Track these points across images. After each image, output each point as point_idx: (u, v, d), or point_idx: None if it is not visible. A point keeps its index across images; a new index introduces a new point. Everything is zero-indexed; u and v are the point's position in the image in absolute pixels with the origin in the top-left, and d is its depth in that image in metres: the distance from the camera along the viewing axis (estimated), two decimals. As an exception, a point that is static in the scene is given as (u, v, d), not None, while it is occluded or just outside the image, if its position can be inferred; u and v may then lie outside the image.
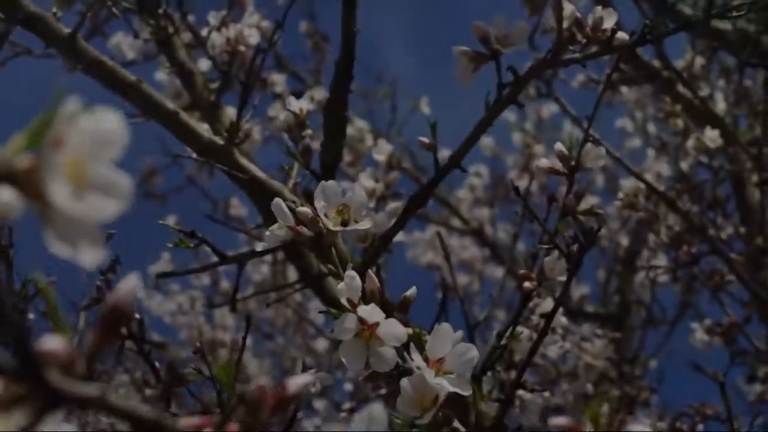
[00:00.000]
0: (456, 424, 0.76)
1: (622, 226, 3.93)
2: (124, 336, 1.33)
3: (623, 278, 3.83)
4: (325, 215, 0.82)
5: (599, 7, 1.26)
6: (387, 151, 2.03)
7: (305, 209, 0.83)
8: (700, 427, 2.05)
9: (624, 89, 3.13)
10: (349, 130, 3.46)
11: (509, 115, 4.92)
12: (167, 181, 3.77)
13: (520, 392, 1.69)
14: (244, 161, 1.41)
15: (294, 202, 1.05)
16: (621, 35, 1.24)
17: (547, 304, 1.81)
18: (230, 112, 1.93)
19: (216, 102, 1.85)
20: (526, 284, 1.35)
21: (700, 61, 2.63)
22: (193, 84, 1.89)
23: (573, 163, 1.32)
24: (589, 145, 1.32)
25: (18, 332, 0.35)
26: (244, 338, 0.94)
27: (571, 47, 1.26)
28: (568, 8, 1.25)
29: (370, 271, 0.80)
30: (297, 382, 0.50)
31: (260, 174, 1.41)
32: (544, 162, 1.35)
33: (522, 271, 1.36)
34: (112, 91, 1.42)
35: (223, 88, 1.83)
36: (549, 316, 1.25)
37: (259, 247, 0.84)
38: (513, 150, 4.26)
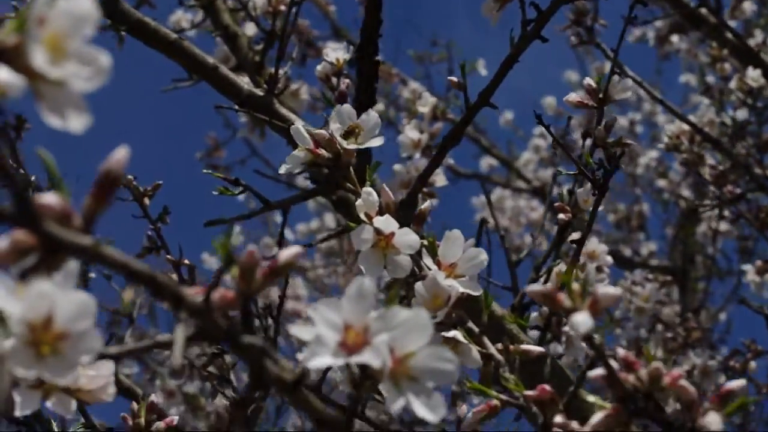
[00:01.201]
0: (470, 324, 0.81)
1: (684, 178, 3.93)
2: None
3: (686, 231, 3.83)
4: (341, 136, 0.87)
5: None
6: (431, 103, 2.08)
7: (322, 131, 0.88)
8: (753, 363, 2.07)
9: (675, 39, 3.14)
10: (405, 93, 3.51)
11: (571, 74, 4.93)
12: (231, 154, 3.84)
13: (567, 329, 1.73)
14: (284, 110, 1.46)
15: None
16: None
17: (593, 243, 1.84)
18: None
19: (261, 62, 1.91)
20: (561, 216, 1.39)
21: (749, 5, 2.63)
22: (239, 46, 1.95)
23: (601, 95, 1.35)
24: (615, 77, 1.35)
25: (18, 186, 0.40)
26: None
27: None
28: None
29: (384, 185, 0.85)
30: (288, 252, 0.55)
31: (301, 122, 1.46)
32: (573, 96, 1.38)
33: (557, 204, 1.40)
34: (156, 50, 1.48)
35: (267, 48, 1.88)
36: (579, 242, 1.29)
37: (282, 169, 0.89)
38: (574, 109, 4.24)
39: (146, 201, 1.42)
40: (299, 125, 0.88)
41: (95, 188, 0.46)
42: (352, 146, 0.87)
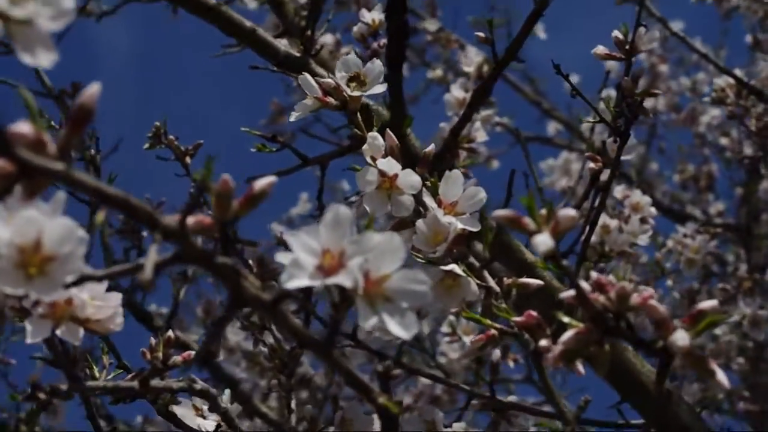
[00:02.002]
0: (471, 259, 0.85)
1: (747, 136, 3.90)
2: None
3: (749, 188, 3.80)
4: (347, 84, 0.91)
5: None
6: (476, 63, 2.11)
7: (328, 80, 0.93)
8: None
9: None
10: (463, 58, 3.52)
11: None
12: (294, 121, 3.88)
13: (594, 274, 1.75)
14: (319, 70, 1.50)
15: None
16: None
17: (636, 195, 1.86)
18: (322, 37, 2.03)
19: (306, 27, 1.95)
20: (591, 165, 1.41)
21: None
22: (285, 13, 1.99)
23: (628, 47, 1.38)
24: (642, 28, 1.37)
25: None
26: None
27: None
28: None
29: (388, 129, 0.89)
30: (263, 181, 0.59)
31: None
32: (600, 48, 1.41)
33: (587, 154, 1.43)
34: (195, 14, 1.53)
35: (312, 13, 1.92)
36: (605, 188, 1.32)
37: (292, 117, 0.94)
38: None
39: (188, 160, 1.47)
40: (307, 75, 0.92)
41: (69, 120, 0.51)
42: (357, 93, 0.91)
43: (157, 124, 1.45)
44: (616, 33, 1.39)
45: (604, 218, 1.76)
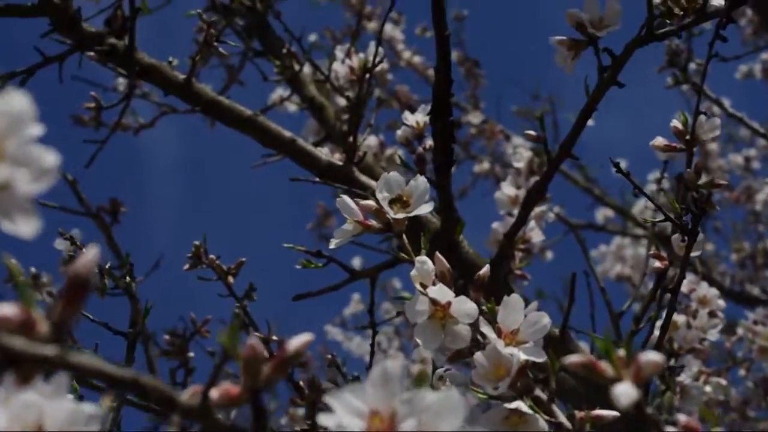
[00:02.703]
0: (537, 392, 0.76)
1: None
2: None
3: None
4: (389, 205, 0.84)
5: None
6: (526, 158, 2.03)
7: (369, 202, 0.85)
8: None
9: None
10: (509, 149, 3.46)
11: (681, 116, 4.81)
12: (342, 222, 3.84)
13: (681, 378, 1.66)
14: (363, 178, 1.44)
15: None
16: (715, 2, 1.22)
17: (703, 288, 1.77)
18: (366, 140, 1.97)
19: (348, 132, 1.89)
20: (656, 264, 1.33)
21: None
22: (326, 117, 1.94)
23: (688, 137, 1.30)
24: (702, 116, 1.29)
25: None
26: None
27: (669, 21, 1.25)
28: (658, -18, 1.24)
29: (438, 254, 0.81)
30: (297, 341, 0.52)
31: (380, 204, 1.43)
32: (659, 140, 1.33)
33: (651, 252, 1.35)
34: (232, 127, 1.47)
35: (353, 118, 1.87)
36: (674, 290, 1.23)
37: (332, 244, 0.86)
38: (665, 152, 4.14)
39: (231, 279, 1.41)
40: (344, 197, 0.85)
41: (64, 293, 0.43)
42: (401, 215, 0.83)
43: (197, 243, 1.39)
44: (675, 123, 1.32)
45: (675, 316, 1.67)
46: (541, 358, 0.76)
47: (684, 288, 1.83)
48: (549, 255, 3.57)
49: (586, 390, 1.38)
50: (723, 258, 4.35)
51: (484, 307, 0.79)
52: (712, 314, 1.75)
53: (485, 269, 0.83)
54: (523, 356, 0.75)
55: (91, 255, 0.44)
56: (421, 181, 0.84)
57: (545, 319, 0.77)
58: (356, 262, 3.93)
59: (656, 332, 1.48)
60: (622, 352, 0.54)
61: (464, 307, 0.77)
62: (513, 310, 0.77)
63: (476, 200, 3.64)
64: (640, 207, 4.31)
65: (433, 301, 0.78)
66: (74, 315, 0.43)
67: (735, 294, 3.67)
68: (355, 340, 5.05)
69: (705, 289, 1.78)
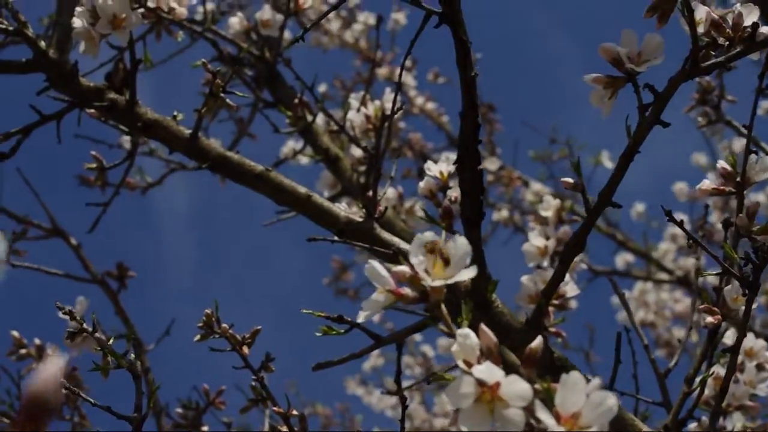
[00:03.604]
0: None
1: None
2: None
3: None
4: (425, 271, 0.73)
5: (738, 4, 1.14)
6: (554, 206, 1.92)
7: (402, 268, 0.74)
8: None
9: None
10: (528, 196, 3.36)
11: (699, 157, 4.71)
12: (359, 275, 3.77)
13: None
14: (385, 235, 1.33)
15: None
16: (765, 29, 1.12)
17: (750, 340, 1.66)
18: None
19: (365, 183, 1.79)
20: (709, 319, 1.23)
21: None
22: (341, 169, 1.85)
23: (738, 179, 1.19)
24: (753, 156, 1.19)
25: None
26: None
27: (713, 53, 1.15)
28: (701, 10, 1.14)
29: (482, 325, 0.70)
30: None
31: (405, 246, 1.33)
32: (706, 183, 1.23)
33: (702, 306, 1.24)
34: (243, 184, 1.38)
35: (371, 169, 1.77)
36: (734, 350, 1.12)
37: (360, 317, 0.75)
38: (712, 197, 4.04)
39: (245, 350, 1.31)
40: (374, 263, 0.74)
41: (20, 421, 0.33)
42: (439, 283, 0.72)
43: (208, 312, 1.28)
44: (722, 164, 1.22)
45: (716, 369, 1.56)
46: (609, 447, 0.65)
47: (727, 339, 1.72)
48: (573, 304, 3.47)
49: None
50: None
51: (538, 386, 0.68)
52: (760, 367, 1.64)
53: (537, 341, 0.72)
54: (588, 446, 0.64)
55: (53, 369, 0.33)
56: (460, 243, 0.72)
57: (611, 400, 0.66)
58: (375, 317, 3.83)
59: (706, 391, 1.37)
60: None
61: (516, 388, 0.66)
62: (573, 389, 0.66)
63: (496, 249, 3.53)
64: (662, 250, 4.20)
65: (480, 383, 0.67)
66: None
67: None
68: (375, 394, 4.94)
69: (752, 341, 1.66)
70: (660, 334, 4.40)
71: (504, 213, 3.46)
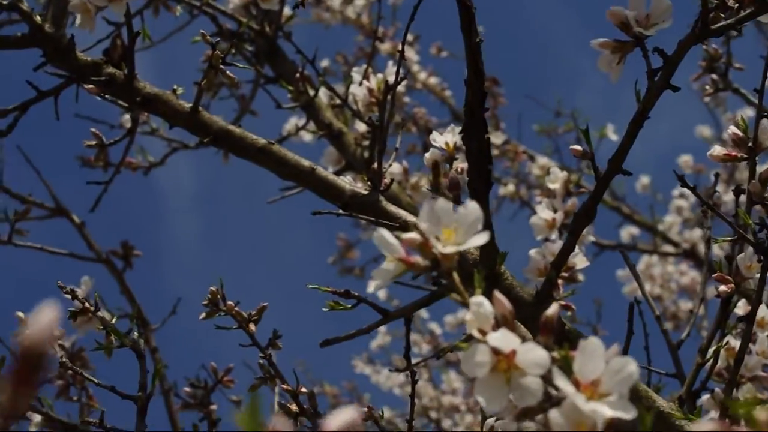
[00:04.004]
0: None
1: None
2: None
3: None
4: (436, 238, 0.70)
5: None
6: (561, 178, 1.90)
7: (412, 234, 0.71)
8: None
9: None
10: (534, 169, 3.34)
11: (703, 129, 4.68)
12: (364, 253, 3.75)
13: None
14: (392, 208, 1.31)
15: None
16: (777, -11, 1.09)
17: (762, 310, 1.64)
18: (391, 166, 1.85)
19: (370, 157, 1.77)
20: (722, 288, 1.20)
21: None
22: (345, 144, 1.82)
23: (750, 144, 1.17)
24: (764, 121, 1.17)
25: None
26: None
27: (722, 15, 1.12)
28: (710, -29, 1.11)
29: (496, 292, 0.68)
30: (339, 418, 0.39)
31: (411, 218, 1.30)
32: (718, 150, 1.21)
33: (716, 275, 1.22)
34: (245, 158, 1.35)
35: (374, 143, 1.74)
36: (749, 318, 1.10)
37: (371, 287, 0.73)
38: (715, 164, 4.01)
39: (252, 327, 1.29)
40: (383, 231, 0.71)
41: (15, 377, 0.31)
42: (450, 249, 0.70)
43: (213, 289, 1.26)
44: (734, 129, 1.19)
45: (729, 340, 1.53)
46: (629, 414, 0.62)
47: (740, 310, 1.70)
48: (582, 277, 3.44)
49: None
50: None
51: (555, 354, 0.66)
52: (773, 337, 1.61)
53: (554, 308, 0.70)
54: (608, 412, 0.62)
55: (45, 319, 0.31)
56: (472, 208, 0.70)
57: (631, 366, 0.63)
58: (381, 293, 3.82)
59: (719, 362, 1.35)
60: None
61: (534, 355, 0.64)
62: (592, 356, 0.64)
63: (502, 224, 3.50)
64: (668, 222, 4.18)
65: (495, 351, 0.65)
66: (26, 402, 0.30)
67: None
68: (383, 372, 4.94)
69: (764, 311, 1.64)
70: (667, 306, 4.38)
71: (510, 187, 3.44)
